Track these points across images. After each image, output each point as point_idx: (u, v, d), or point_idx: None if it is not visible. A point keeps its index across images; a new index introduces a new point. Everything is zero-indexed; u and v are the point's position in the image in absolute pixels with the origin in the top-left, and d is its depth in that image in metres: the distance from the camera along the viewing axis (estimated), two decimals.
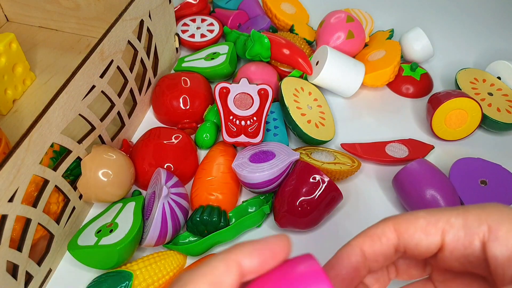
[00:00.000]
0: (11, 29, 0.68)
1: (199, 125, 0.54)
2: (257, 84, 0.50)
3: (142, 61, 0.52)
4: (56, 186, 0.40)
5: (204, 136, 0.52)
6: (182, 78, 0.56)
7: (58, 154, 0.44)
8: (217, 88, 0.50)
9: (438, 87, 0.64)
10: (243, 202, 0.48)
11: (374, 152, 0.53)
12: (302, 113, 0.52)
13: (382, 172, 0.53)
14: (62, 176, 0.40)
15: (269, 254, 0.19)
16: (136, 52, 0.50)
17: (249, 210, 0.47)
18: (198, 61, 0.61)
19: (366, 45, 0.66)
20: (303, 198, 0.43)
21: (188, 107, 0.54)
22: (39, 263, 0.40)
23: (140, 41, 0.50)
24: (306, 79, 0.59)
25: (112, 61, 0.45)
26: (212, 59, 0.60)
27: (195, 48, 0.65)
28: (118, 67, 0.47)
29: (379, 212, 0.49)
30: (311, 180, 0.44)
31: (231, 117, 0.49)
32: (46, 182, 0.38)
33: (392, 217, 0.24)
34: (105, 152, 0.44)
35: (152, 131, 0.51)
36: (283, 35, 0.64)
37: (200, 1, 0.69)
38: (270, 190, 0.46)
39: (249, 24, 0.68)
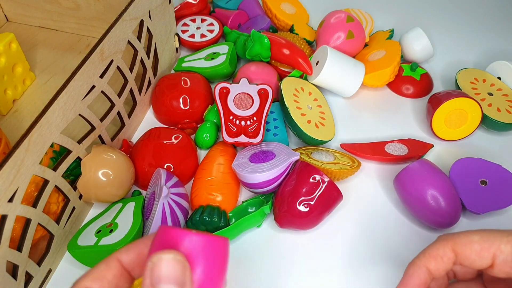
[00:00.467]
0: (11, 29, 0.68)
1: (199, 125, 0.54)
2: (257, 84, 0.50)
3: (142, 61, 0.52)
4: (56, 186, 0.40)
5: (204, 136, 0.52)
6: (182, 78, 0.56)
7: (58, 154, 0.44)
8: (217, 88, 0.50)
9: (438, 87, 0.64)
10: (243, 202, 0.48)
11: (373, 151, 0.53)
12: (302, 113, 0.52)
13: (382, 172, 0.53)
14: (62, 176, 0.40)
15: (143, 246, 0.24)
16: (136, 52, 0.50)
17: (249, 210, 0.47)
18: (198, 61, 0.61)
19: (366, 45, 0.66)
20: (303, 198, 0.43)
21: (188, 107, 0.54)
22: (39, 263, 0.40)
23: (140, 41, 0.50)
24: (306, 79, 0.59)
25: (112, 61, 0.45)
26: (212, 59, 0.60)
27: (195, 48, 0.65)
28: (118, 67, 0.47)
29: (379, 212, 0.49)
30: (311, 180, 0.44)
31: (231, 117, 0.49)
32: (46, 182, 0.38)
33: (449, 237, 0.29)
34: (105, 152, 0.44)
35: (152, 131, 0.51)
36: (283, 35, 0.64)
37: (200, 1, 0.69)
38: (270, 190, 0.46)
39: (249, 24, 0.67)
